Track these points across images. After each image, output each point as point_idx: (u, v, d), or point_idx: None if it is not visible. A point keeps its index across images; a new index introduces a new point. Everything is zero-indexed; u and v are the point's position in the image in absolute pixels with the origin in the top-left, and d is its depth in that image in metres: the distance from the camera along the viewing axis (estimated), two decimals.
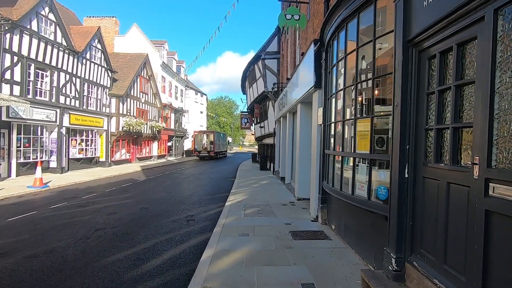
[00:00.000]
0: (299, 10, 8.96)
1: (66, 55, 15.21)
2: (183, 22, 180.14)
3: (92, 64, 17.63)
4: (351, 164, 4.10)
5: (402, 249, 2.93)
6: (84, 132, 17.54)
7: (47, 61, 13.94)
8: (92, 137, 18.41)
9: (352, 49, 4.01)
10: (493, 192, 1.93)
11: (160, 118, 27.45)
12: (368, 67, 3.79)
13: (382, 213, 3.28)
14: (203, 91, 46.86)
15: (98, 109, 18.46)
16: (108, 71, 19.33)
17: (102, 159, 19.35)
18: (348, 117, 4.31)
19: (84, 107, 17.09)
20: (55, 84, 14.58)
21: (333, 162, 4.77)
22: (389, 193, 3.18)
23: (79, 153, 17.08)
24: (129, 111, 21.39)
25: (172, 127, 31.35)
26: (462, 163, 2.31)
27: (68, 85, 15.51)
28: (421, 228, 2.76)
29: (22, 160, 13.04)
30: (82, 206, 7.89)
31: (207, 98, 48.43)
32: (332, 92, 5.04)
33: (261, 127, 21.54)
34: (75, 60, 15.97)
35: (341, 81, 4.53)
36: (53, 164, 14.88)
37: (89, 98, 17.70)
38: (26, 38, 12.68)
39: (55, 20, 14.30)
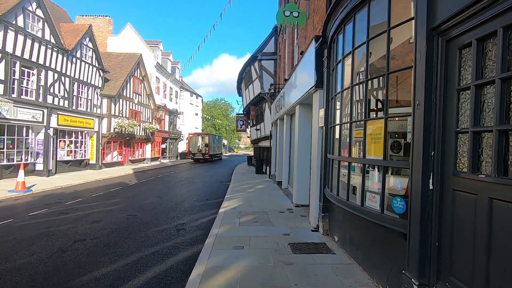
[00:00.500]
0: (298, 6, 8.55)
1: (54, 53, 14.60)
2: (178, 23, 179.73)
3: (83, 63, 17.02)
4: (360, 171, 3.64)
5: (426, 275, 2.47)
6: (73, 134, 16.89)
7: (34, 59, 13.33)
8: (82, 138, 17.75)
9: (361, 42, 3.58)
10: None
11: (154, 120, 26.84)
12: (381, 61, 3.35)
13: (399, 230, 2.82)
14: (198, 93, 46.36)
15: (88, 110, 17.82)
16: (100, 70, 18.73)
17: (92, 161, 18.69)
18: (356, 118, 3.86)
19: (74, 107, 16.46)
20: (42, 83, 13.95)
21: (338, 168, 4.31)
22: (407, 206, 2.73)
23: (67, 155, 16.42)
24: (121, 112, 20.78)
25: (166, 129, 30.73)
26: None
27: (56, 85, 14.88)
28: (451, 251, 2.31)
29: (5, 162, 12.38)
30: (64, 213, 7.31)
31: (202, 100, 47.88)
32: (336, 91, 4.60)
33: (257, 129, 21.07)
34: (65, 58, 15.36)
35: (347, 78, 4.09)
36: (39, 167, 14.21)
37: (79, 98, 17.07)
38: (11, 34, 12.07)
39: (43, 17, 13.71)
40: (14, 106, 11.76)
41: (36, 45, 13.39)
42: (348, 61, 4.04)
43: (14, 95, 12.41)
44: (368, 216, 3.30)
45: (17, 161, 12.89)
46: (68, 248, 4.86)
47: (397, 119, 3.27)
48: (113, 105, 19.86)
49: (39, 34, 13.60)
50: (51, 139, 14.71)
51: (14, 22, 12.13)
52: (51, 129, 14.62)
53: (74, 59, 16.16)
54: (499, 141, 1.88)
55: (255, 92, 19.06)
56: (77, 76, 16.53)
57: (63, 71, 15.34)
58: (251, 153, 40.43)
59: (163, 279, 3.82)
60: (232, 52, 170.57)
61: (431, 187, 2.48)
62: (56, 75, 14.81)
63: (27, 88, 13.30)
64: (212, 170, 21.52)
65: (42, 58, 13.84)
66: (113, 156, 21.09)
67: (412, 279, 2.52)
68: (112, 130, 19.73)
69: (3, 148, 12.23)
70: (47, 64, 14.15)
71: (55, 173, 15.27)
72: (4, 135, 12.27)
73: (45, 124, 14.15)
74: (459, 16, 2.22)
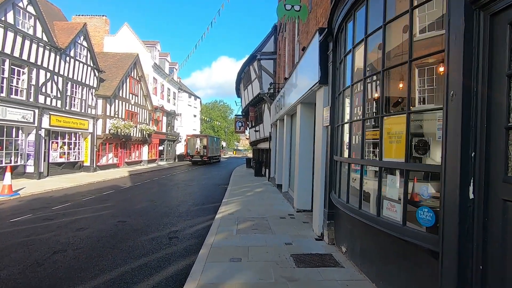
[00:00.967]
0: (300, 0, 8.12)
1: (47, 52, 14.12)
2: (177, 24, 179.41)
3: (77, 62, 16.54)
4: (375, 175, 3.17)
5: None
6: (67, 135, 16.37)
7: (24, 57, 12.84)
8: (76, 140, 17.24)
9: (377, 28, 3.12)
10: None
11: (151, 121, 26.34)
12: (401, 48, 2.89)
13: (426, 246, 2.35)
14: (197, 95, 45.83)
15: (82, 110, 17.32)
16: (95, 70, 18.25)
17: (87, 163, 18.16)
18: (370, 115, 3.39)
19: (67, 107, 15.96)
20: (33, 82, 13.46)
21: (348, 172, 3.82)
22: (438, 218, 2.27)
23: (60, 157, 15.89)
24: (117, 113, 20.27)
25: (164, 130, 30.23)
26: None
27: (48, 84, 14.39)
28: (503, 278, 1.83)
29: None
30: (48, 219, 6.80)
31: (201, 101, 47.40)
32: (344, 86, 4.14)
33: (256, 131, 20.62)
34: (58, 57, 14.88)
35: (359, 71, 3.63)
36: (30, 169, 13.67)
37: (73, 98, 16.57)
38: (0, 31, 11.59)
39: (34, 14, 13.24)
40: (3, 105, 11.26)
41: (27, 42, 12.91)
42: (360, 51, 3.58)
43: (3, 94, 11.91)
44: (386, 228, 2.82)
45: (5, 163, 12.36)
46: (45, 260, 4.36)
47: (424, 111, 2.80)
48: (108, 106, 19.36)
49: (31, 32, 13.13)
50: (43, 140, 14.19)
51: (3, 19, 11.66)
52: (43, 130, 14.10)
53: (67, 58, 15.68)
54: None
55: (254, 93, 18.63)
56: (70, 76, 16.04)
57: (56, 70, 14.85)
58: (250, 155, 39.95)
59: None
60: (231, 54, 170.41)
61: (471, 196, 2.01)
62: (48, 74, 14.32)
63: (17, 87, 12.80)
64: (210, 173, 21.02)
65: (34, 56, 13.35)
66: (108, 158, 20.56)
67: None
68: (107, 132, 19.22)
69: None
70: (39, 63, 13.67)
71: (47, 175, 14.74)
72: None
73: (36, 124, 13.63)
74: None
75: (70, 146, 16.77)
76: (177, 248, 5.05)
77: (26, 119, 13.10)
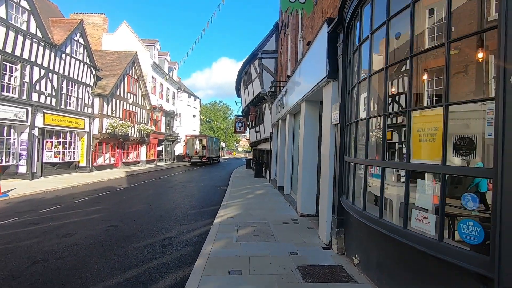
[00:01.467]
0: None
1: (41, 48, 13.67)
2: (176, 24, 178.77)
3: (73, 59, 16.09)
4: (398, 179, 2.72)
5: None
6: (62, 134, 15.90)
7: (17, 53, 12.39)
8: (71, 139, 16.76)
9: (403, 7, 2.67)
10: None
11: (149, 121, 25.87)
12: (433, 31, 2.44)
13: (473, 269, 1.90)
14: (197, 95, 45.37)
15: (78, 109, 16.85)
16: (92, 68, 17.80)
17: (83, 163, 17.68)
18: (393, 109, 2.94)
19: (62, 106, 15.49)
20: (27, 79, 13.00)
21: (365, 176, 3.35)
22: (487, 235, 1.81)
23: (54, 157, 15.41)
24: (114, 112, 19.80)
25: (163, 130, 29.75)
26: None
27: (43, 81, 13.93)
28: None
29: None
30: (34, 223, 6.33)
31: (200, 101, 46.93)
32: (359, 78, 3.68)
33: (256, 131, 20.16)
34: (53, 54, 14.42)
35: (379, 59, 3.19)
36: (22, 169, 13.20)
37: (69, 96, 16.11)
38: None
39: (28, 8, 12.80)
40: None
41: (20, 38, 12.46)
42: (380, 36, 3.14)
43: None
44: (415, 242, 2.37)
45: None
46: (22, 272, 3.89)
47: (467, 103, 2.35)
48: (105, 105, 18.90)
49: (24, 27, 12.68)
50: (36, 139, 13.71)
51: None
52: (36, 129, 13.63)
53: (63, 55, 15.23)
54: None
55: (254, 92, 18.19)
56: (66, 73, 15.58)
57: (51, 67, 14.39)
58: (250, 156, 39.48)
59: None
60: (231, 55, 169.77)
61: None
62: (42, 71, 13.85)
63: (10, 84, 12.34)
64: (209, 174, 20.55)
65: (27, 52, 12.90)
66: (105, 158, 20.09)
67: None
68: (104, 131, 18.74)
69: None
70: (33, 59, 13.21)
71: (41, 176, 14.26)
72: None
73: (29, 123, 13.17)
74: None
75: (65, 145, 16.29)
76: (171, 258, 4.59)
77: (19, 118, 12.63)
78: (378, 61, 3.17)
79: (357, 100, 3.68)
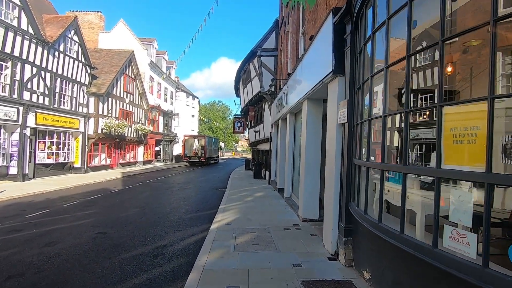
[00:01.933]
0: None
1: (33, 45, 13.21)
2: (175, 23, 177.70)
3: (67, 57, 15.63)
4: (421, 186, 2.30)
5: None
6: (55, 134, 15.43)
7: (7, 50, 11.93)
8: (65, 139, 16.30)
9: None
10: None
11: (147, 121, 25.43)
12: (475, 3, 2.02)
13: None
14: (196, 95, 44.91)
15: (73, 109, 16.39)
16: (87, 66, 17.34)
17: (77, 164, 17.22)
18: (416, 105, 2.52)
19: (56, 105, 15.03)
20: (18, 77, 12.54)
21: (381, 181, 2.91)
22: None
23: (48, 158, 14.94)
24: (110, 111, 19.34)
25: (161, 130, 29.30)
26: None
27: (35, 80, 13.47)
28: None
29: None
30: (16, 230, 5.89)
31: (199, 101, 46.48)
32: (372, 71, 3.26)
33: (255, 131, 19.74)
34: (45, 51, 13.96)
35: (398, 47, 2.76)
36: (14, 171, 12.74)
37: (63, 95, 15.65)
38: None
39: (19, 4, 12.34)
40: None
41: (10, 34, 12.00)
42: (398, 22, 2.71)
43: None
44: (449, 266, 1.95)
45: None
46: None
47: None
48: (101, 104, 18.44)
49: (15, 23, 12.23)
50: (28, 139, 13.25)
51: None
52: (28, 128, 13.17)
53: (56, 53, 14.77)
54: None
55: (254, 91, 17.77)
56: (60, 72, 15.12)
57: (43, 65, 13.93)
58: (249, 156, 39.04)
59: None
60: (230, 55, 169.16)
61: None
62: (34, 69, 13.40)
63: (0, 82, 11.88)
64: (208, 175, 20.12)
65: (18, 49, 12.44)
66: (101, 159, 19.63)
67: None
68: (99, 131, 18.30)
69: None
70: (24, 57, 12.75)
71: (33, 177, 13.81)
72: None
73: (20, 123, 12.71)
74: None
75: (59, 146, 15.82)
76: (162, 271, 4.16)
77: (9, 117, 12.17)
78: (397, 50, 2.75)
79: (370, 96, 3.25)
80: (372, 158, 3.34)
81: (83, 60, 16.95)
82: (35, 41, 13.24)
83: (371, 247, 3.32)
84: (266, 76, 15.82)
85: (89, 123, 17.76)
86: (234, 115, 27.98)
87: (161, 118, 29.24)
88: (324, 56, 5.16)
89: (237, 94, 25.80)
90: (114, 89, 19.77)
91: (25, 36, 12.73)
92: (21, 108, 12.68)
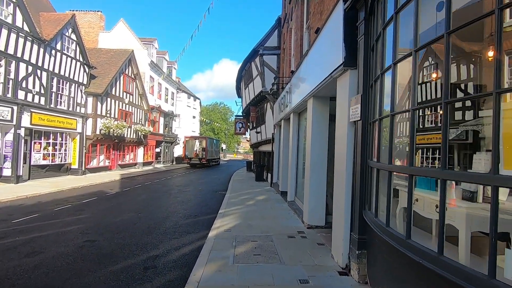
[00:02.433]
0: None
1: (29, 43, 12.83)
2: (175, 24, 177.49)
3: (64, 56, 15.25)
4: (463, 196, 1.82)
5: None
6: (52, 135, 15.03)
7: (1, 48, 11.52)
8: (62, 140, 15.90)
9: None
10: None
11: (147, 122, 25.02)
12: None
13: None
14: (198, 96, 44.52)
15: (70, 109, 16.00)
16: (85, 66, 16.95)
17: (75, 166, 16.80)
18: (455, 95, 2.04)
19: (52, 105, 14.63)
20: (12, 76, 12.15)
21: (409, 189, 2.39)
22: None
23: (43, 159, 14.53)
24: (109, 112, 18.93)
25: (161, 131, 28.88)
26: None
27: (30, 79, 13.08)
28: None
29: None
30: None
31: (200, 102, 46.09)
32: (395, 58, 2.77)
33: (257, 132, 19.28)
34: (41, 50, 13.58)
35: (428, 30, 2.29)
36: (7, 172, 12.33)
37: (59, 95, 15.25)
38: None
39: (14, 0, 11.98)
40: None
41: (4, 32, 11.62)
42: None
43: None
44: None
45: None
46: None
47: None
48: (99, 104, 18.04)
49: (9, 20, 11.85)
50: (22, 140, 12.85)
51: None
52: (22, 129, 12.77)
53: (53, 51, 14.38)
54: None
55: (255, 91, 17.33)
56: (56, 71, 14.74)
57: (39, 64, 13.54)
58: (251, 158, 38.54)
59: None
60: (233, 57, 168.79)
61: None
62: (30, 67, 13.01)
63: None
64: (208, 177, 19.65)
65: (13, 47, 12.06)
66: (99, 161, 19.21)
67: None
68: (98, 132, 17.87)
69: None
70: (19, 55, 12.36)
71: (28, 179, 13.40)
72: None
73: (14, 123, 12.30)
74: None
75: (56, 147, 15.41)
76: (151, 287, 3.68)
77: (3, 117, 11.77)
78: (430, 30, 2.27)
79: (392, 86, 2.76)
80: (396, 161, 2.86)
81: (81, 59, 16.57)
82: (30, 39, 12.86)
83: (394, 265, 2.83)
84: (268, 75, 15.37)
85: (87, 124, 17.36)
86: (235, 115, 27.56)
87: (161, 119, 28.85)
88: (333, 49, 4.70)
89: (239, 95, 25.38)
90: (113, 89, 19.38)
91: (20, 34, 12.35)
92: (15, 107, 12.29)
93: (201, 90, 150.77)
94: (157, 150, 28.96)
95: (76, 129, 16.53)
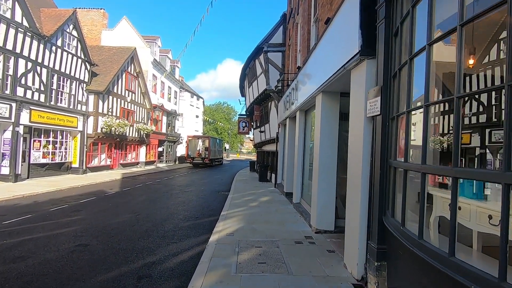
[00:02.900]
0: None
1: (28, 39, 12.55)
2: (179, 22, 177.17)
3: (65, 53, 14.96)
4: None
5: None
6: (52, 133, 14.74)
7: None
8: (63, 139, 15.61)
9: None
10: None
11: (149, 121, 24.72)
12: None
13: None
14: (201, 96, 44.22)
15: (71, 106, 15.71)
16: (86, 63, 16.67)
17: (75, 165, 16.52)
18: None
19: (52, 102, 14.35)
20: (10, 72, 11.87)
21: (454, 195, 1.94)
22: None
23: (43, 157, 14.25)
24: (110, 110, 18.65)
25: (164, 130, 28.60)
26: None
27: (29, 75, 12.79)
28: None
29: None
30: None
31: (203, 101, 45.76)
32: (431, 38, 2.34)
33: (261, 131, 18.87)
34: (41, 46, 13.30)
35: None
36: (5, 171, 12.05)
37: (60, 92, 14.97)
38: None
39: None
40: None
41: (3, 26, 11.34)
42: None
43: None
44: None
45: None
46: None
47: None
48: (101, 102, 17.76)
49: (8, 15, 11.57)
50: (21, 138, 12.56)
51: None
52: (21, 126, 12.48)
53: (53, 48, 14.10)
54: None
55: (259, 89, 16.90)
56: (57, 67, 14.45)
57: (39, 60, 13.26)
58: (254, 157, 38.13)
59: None
60: (236, 57, 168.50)
61: None
62: (30, 64, 12.73)
63: None
64: (211, 177, 19.28)
65: (11, 43, 11.77)
66: (100, 159, 18.93)
67: None
68: (99, 130, 17.60)
69: None
70: (18, 51, 12.08)
71: (27, 178, 13.13)
72: None
73: (13, 120, 12.02)
74: None
75: (56, 145, 15.13)
76: None
77: (1, 114, 11.49)
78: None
79: (427, 72, 2.33)
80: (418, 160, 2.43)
81: (82, 56, 16.29)
82: (30, 34, 12.58)
83: (417, 276, 2.39)
84: (273, 73, 14.95)
85: (88, 122, 17.08)
86: (239, 115, 27.18)
87: (164, 118, 28.56)
88: (347, 37, 4.27)
89: (242, 93, 24.98)
90: (115, 87, 19.10)
91: (19, 29, 12.07)
92: (14, 104, 12.00)
93: (204, 90, 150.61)
94: (160, 149, 28.66)
95: (77, 127, 16.25)
